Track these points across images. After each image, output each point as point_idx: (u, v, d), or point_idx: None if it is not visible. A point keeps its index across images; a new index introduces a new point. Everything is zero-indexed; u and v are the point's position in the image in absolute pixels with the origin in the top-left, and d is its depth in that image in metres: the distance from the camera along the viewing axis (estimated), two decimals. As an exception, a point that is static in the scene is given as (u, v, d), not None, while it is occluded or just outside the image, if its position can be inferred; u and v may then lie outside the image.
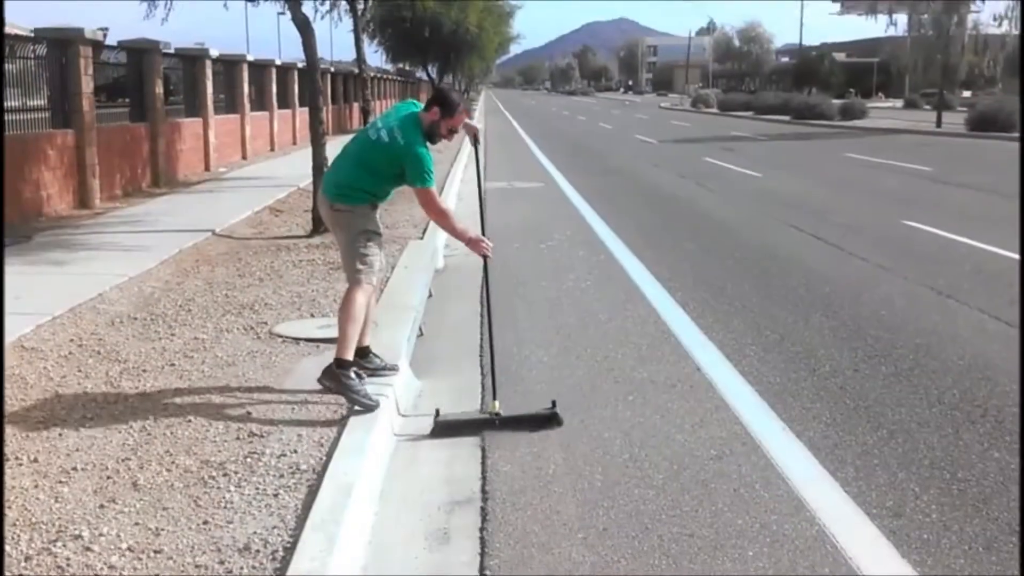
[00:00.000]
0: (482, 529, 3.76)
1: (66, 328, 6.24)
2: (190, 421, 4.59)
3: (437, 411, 4.93)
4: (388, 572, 3.52)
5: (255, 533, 3.47)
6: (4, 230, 9.38)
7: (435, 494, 4.11)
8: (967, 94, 64.17)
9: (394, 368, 5.58)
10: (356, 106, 27.58)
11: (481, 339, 5.24)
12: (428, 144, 5.11)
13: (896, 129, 37.29)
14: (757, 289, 8.12)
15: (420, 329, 6.83)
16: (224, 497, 3.76)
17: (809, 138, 33.32)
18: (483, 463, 4.43)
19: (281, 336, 6.13)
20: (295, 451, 4.24)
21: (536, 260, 9.67)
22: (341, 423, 4.58)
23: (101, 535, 3.45)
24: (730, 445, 4.60)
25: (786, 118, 47.10)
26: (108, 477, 3.96)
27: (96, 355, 5.70)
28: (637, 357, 6.14)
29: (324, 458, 4.15)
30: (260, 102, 22.55)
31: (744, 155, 24.58)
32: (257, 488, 3.85)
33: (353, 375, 4.95)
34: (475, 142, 5.75)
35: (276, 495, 3.80)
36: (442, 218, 5.29)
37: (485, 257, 5.29)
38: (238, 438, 4.39)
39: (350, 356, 5.03)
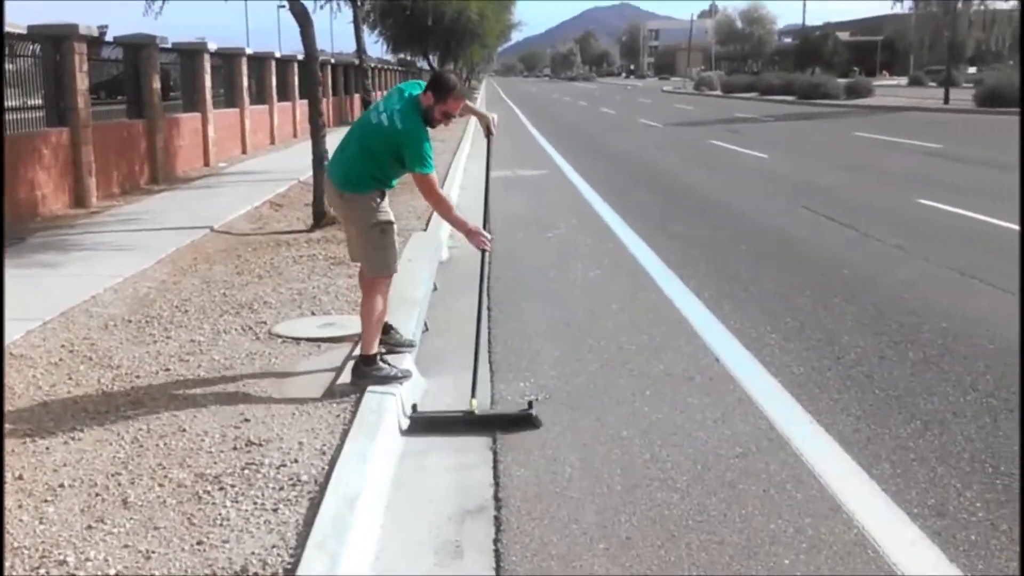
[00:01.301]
0: (496, 541, 3.51)
1: (57, 333, 5.99)
2: (184, 431, 4.35)
3: (414, 406, 4.85)
4: (396, 592, 3.29)
5: (253, 553, 3.22)
6: (4, 231, 9.16)
7: (445, 503, 3.85)
8: (972, 70, 63.56)
9: (412, 343, 5.63)
10: (357, 97, 27.25)
11: (477, 333, 5.02)
12: (428, 129, 4.97)
13: (903, 107, 36.89)
14: (772, 274, 7.85)
15: (425, 324, 6.59)
16: (220, 514, 3.51)
17: (815, 118, 32.94)
18: (495, 468, 4.17)
19: (281, 336, 5.89)
20: (295, 460, 3.99)
21: (542, 250, 9.40)
22: (344, 429, 4.33)
23: (88, 560, 3.21)
24: (756, 441, 4.34)
25: (791, 98, 46.71)
26: (97, 494, 3.72)
27: (88, 361, 5.46)
28: (652, 348, 5.88)
29: (326, 467, 3.90)
30: (260, 95, 22.27)
31: (750, 137, 24.26)
32: (255, 502, 3.61)
33: (380, 365, 5.00)
34: (488, 133, 5.48)
35: (276, 510, 3.55)
36: (440, 205, 5.21)
37: (484, 251, 5.19)
38: (235, 448, 4.15)
39: (375, 350, 5.06)
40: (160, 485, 3.78)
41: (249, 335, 5.93)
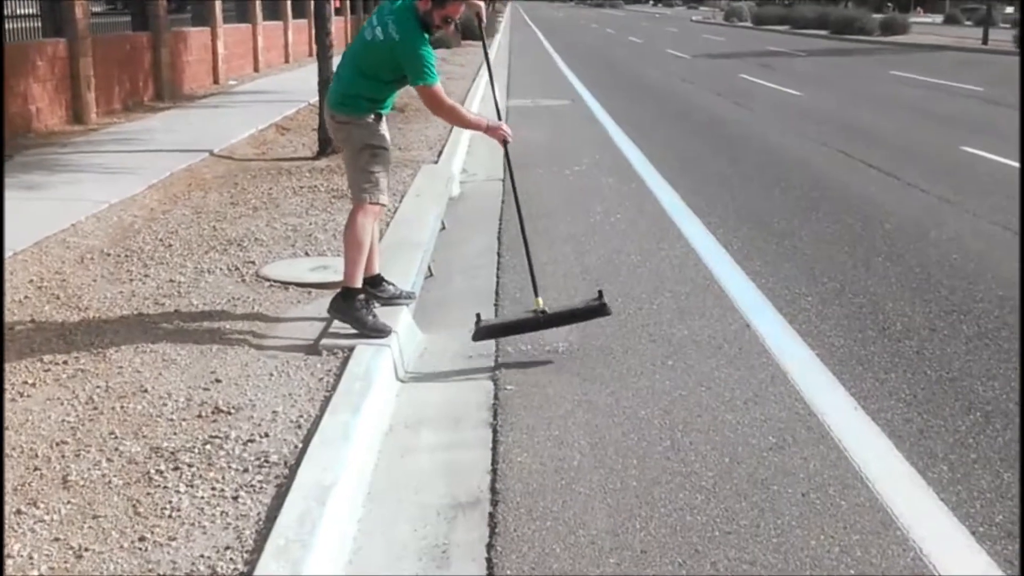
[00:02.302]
0: (490, 547, 3.00)
1: (27, 266, 5.49)
2: (146, 392, 3.84)
3: (478, 316, 4.70)
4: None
5: (201, 557, 2.73)
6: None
7: (434, 493, 3.35)
8: (1009, 10, 61.26)
9: (411, 295, 5.16)
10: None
11: (523, 233, 4.71)
12: (427, 37, 4.52)
13: (940, 46, 35.51)
14: (807, 226, 7.24)
15: (429, 268, 6.06)
16: (170, 501, 3.02)
17: (850, 54, 31.75)
18: (494, 450, 3.66)
19: (268, 279, 5.36)
20: (266, 435, 3.49)
21: (560, 189, 8.78)
22: (326, 396, 3.82)
23: (9, 555, 2.74)
24: (792, 430, 3.80)
25: (824, 33, 45.21)
26: (35, 468, 3.23)
27: (55, 300, 4.96)
28: (675, 309, 5.33)
29: (300, 445, 3.40)
30: (274, 11, 21.44)
31: (783, 72, 23.30)
32: (213, 488, 3.11)
33: (360, 304, 4.56)
34: (480, 22, 5.18)
35: (236, 498, 3.06)
36: (451, 114, 4.86)
37: (505, 143, 4.89)
38: (200, 415, 3.65)
39: (358, 283, 4.61)
40: (108, 460, 3.29)
41: (234, 276, 5.41)
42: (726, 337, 4.88)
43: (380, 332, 4.49)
